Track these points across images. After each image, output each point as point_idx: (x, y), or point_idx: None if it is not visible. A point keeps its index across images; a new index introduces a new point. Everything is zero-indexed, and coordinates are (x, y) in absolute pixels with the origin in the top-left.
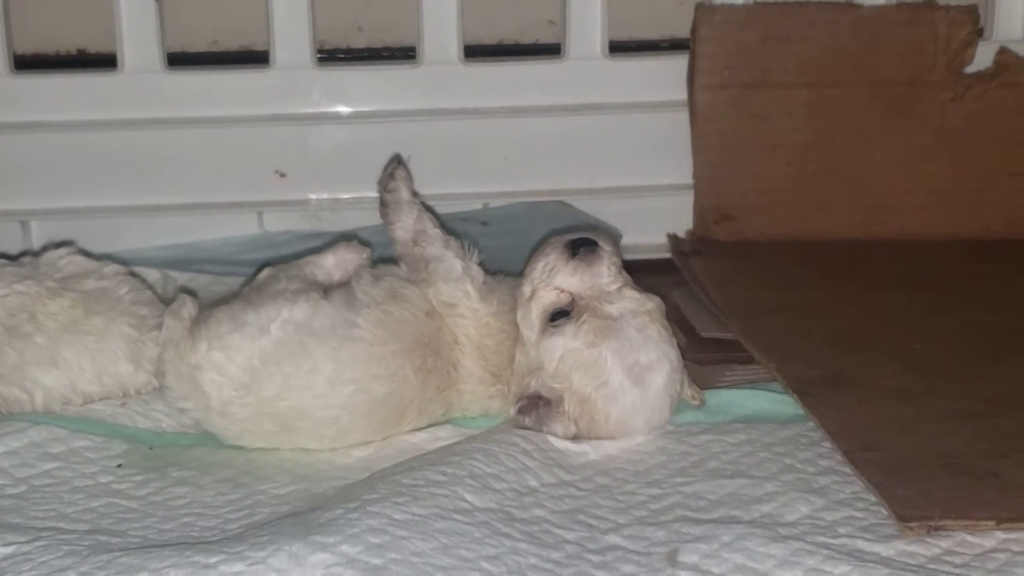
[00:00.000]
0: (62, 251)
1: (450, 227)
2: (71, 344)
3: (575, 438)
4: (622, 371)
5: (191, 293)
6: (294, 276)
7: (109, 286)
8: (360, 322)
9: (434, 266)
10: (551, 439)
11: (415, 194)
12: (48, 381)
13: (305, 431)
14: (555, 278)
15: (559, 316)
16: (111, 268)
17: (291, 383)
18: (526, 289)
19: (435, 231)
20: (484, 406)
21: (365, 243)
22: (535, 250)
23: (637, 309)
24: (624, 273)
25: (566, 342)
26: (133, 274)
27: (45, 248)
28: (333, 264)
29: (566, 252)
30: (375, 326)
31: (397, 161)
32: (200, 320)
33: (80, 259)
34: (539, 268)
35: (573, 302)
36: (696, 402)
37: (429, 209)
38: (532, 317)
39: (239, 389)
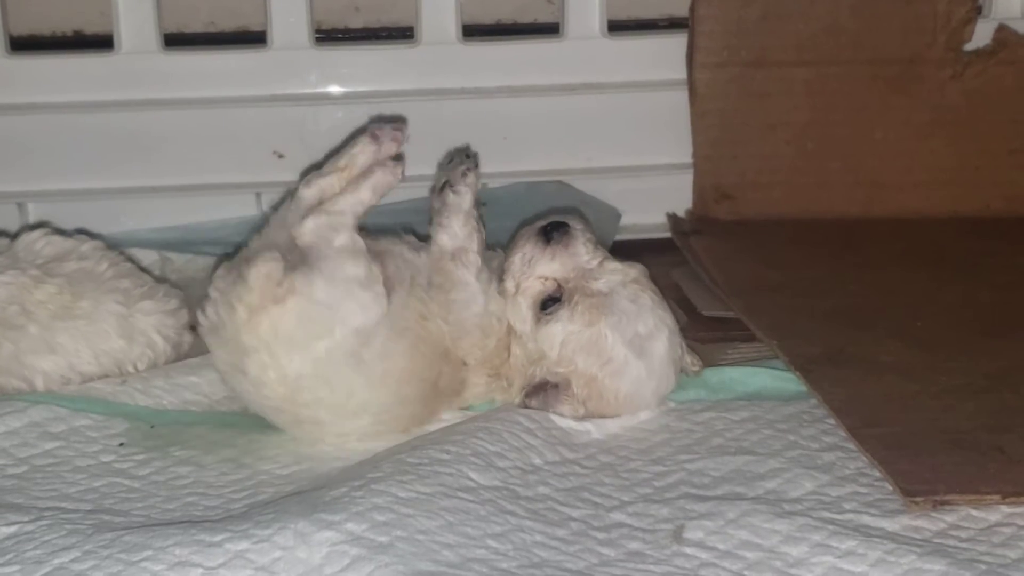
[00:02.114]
0: (37, 233)
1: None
2: (65, 330)
3: (584, 418)
4: (624, 345)
5: (189, 275)
6: (345, 236)
7: (90, 265)
8: (397, 350)
9: (457, 298)
10: (554, 418)
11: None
12: (46, 366)
13: (326, 431)
14: (535, 268)
15: (549, 303)
16: (88, 245)
17: (329, 399)
18: (509, 285)
19: (476, 257)
20: (486, 396)
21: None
22: (508, 244)
23: (624, 279)
24: (600, 247)
25: (564, 327)
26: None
27: (19, 231)
28: (370, 196)
29: (540, 239)
30: (408, 354)
31: (473, 163)
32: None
33: (57, 239)
34: (517, 261)
35: (559, 287)
36: (696, 368)
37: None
38: (523, 310)
39: (282, 385)
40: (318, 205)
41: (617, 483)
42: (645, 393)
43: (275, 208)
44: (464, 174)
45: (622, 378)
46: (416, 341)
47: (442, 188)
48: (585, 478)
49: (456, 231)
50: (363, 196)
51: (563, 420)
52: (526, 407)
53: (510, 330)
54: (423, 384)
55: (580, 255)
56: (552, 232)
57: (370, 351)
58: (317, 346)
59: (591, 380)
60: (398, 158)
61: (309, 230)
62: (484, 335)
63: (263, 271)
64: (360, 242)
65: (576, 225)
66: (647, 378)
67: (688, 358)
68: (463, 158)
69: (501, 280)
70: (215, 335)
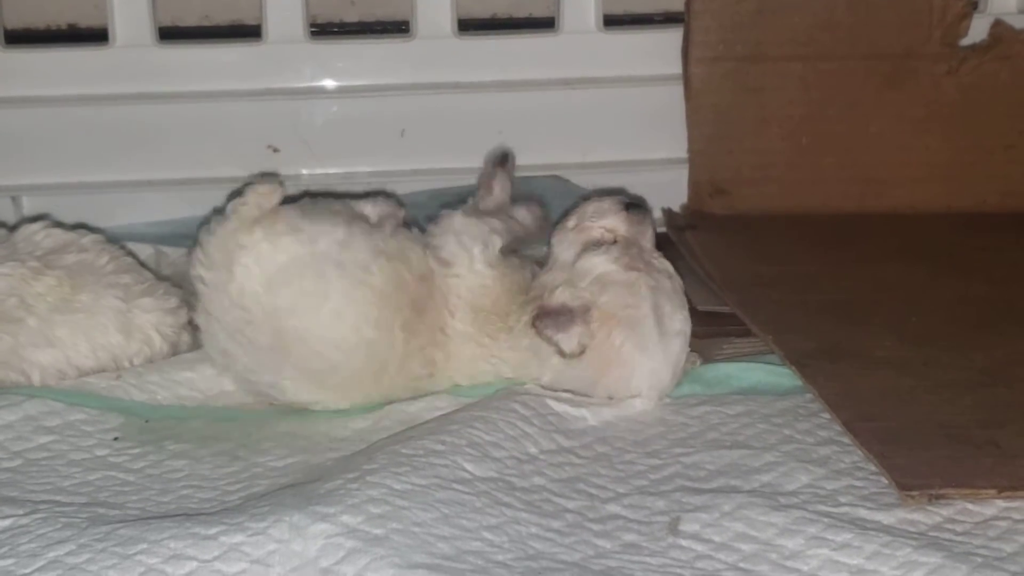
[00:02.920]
0: (37, 225)
1: (444, 202)
2: (64, 323)
3: (579, 356)
4: (651, 306)
5: (184, 269)
6: (346, 203)
7: (90, 258)
8: (374, 269)
9: (447, 221)
10: (550, 403)
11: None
12: (44, 359)
13: (295, 359)
14: (604, 219)
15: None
16: (88, 238)
17: (305, 302)
18: (571, 222)
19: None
20: (472, 369)
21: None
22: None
23: (671, 276)
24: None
25: (607, 262)
26: (112, 241)
27: (18, 223)
28: (371, 211)
29: (619, 204)
30: (385, 278)
31: (504, 159)
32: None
33: (57, 231)
34: (589, 209)
35: (616, 242)
36: (696, 363)
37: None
38: (571, 242)
39: (262, 285)
40: None
41: (613, 475)
42: (642, 367)
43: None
44: (499, 166)
45: (634, 333)
46: (395, 264)
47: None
48: (581, 468)
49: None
50: (365, 208)
51: (559, 405)
52: (533, 328)
53: (513, 283)
54: (398, 314)
55: (646, 236)
56: (632, 206)
57: (350, 255)
58: (299, 250)
59: (607, 317)
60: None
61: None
62: (471, 262)
63: (260, 188)
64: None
65: (651, 215)
66: (653, 354)
67: (690, 356)
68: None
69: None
70: (203, 253)
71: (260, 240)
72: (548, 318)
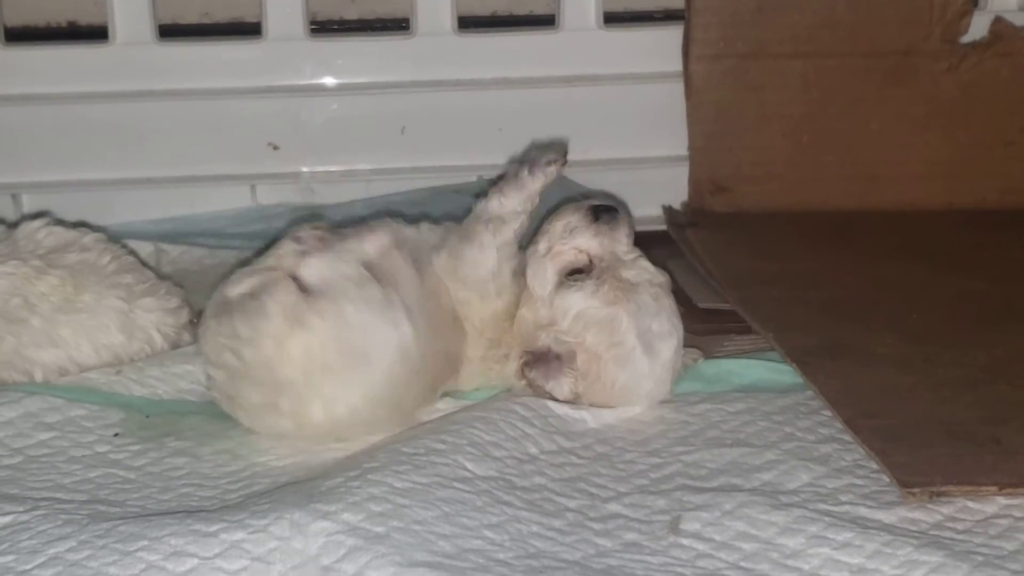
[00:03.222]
0: (38, 223)
1: (445, 199)
2: (67, 323)
3: (575, 400)
4: (636, 335)
5: (184, 266)
6: (354, 268)
7: (92, 257)
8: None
9: (469, 256)
10: (551, 405)
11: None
12: (47, 359)
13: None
14: (575, 238)
15: (576, 274)
16: (90, 237)
17: (376, 412)
18: (541, 246)
19: (510, 234)
20: (480, 377)
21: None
22: (549, 213)
23: (651, 280)
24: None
25: (584, 298)
26: (113, 239)
27: (18, 221)
28: (371, 249)
29: (588, 215)
30: (432, 328)
31: (563, 159)
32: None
33: (58, 229)
34: (558, 228)
35: (591, 264)
36: (697, 360)
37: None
38: (547, 273)
39: (326, 416)
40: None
41: (613, 474)
42: (640, 390)
43: None
44: (549, 163)
45: (624, 367)
46: (436, 316)
47: (523, 161)
48: (581, 468)
49: (508, 203)
50: (362, 246)
51: (559, 408)
52: (523, 378)
53: (515, 302)
54: (438, 355)
55: (621, 242)
56: (602, 213)
57: (412, 355)
58: (364, 372)
59: (594, 359)
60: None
61: (316, 267)
62: (482, 297)
63: (282, 300)
64: (368, 275)
65: (624, 215)
66: (647, 375)
67: (686, 357)
68: (559, 153)
69: (528, 246)
70: (242, 380)
71: (308, 366)
72: (537, 367)
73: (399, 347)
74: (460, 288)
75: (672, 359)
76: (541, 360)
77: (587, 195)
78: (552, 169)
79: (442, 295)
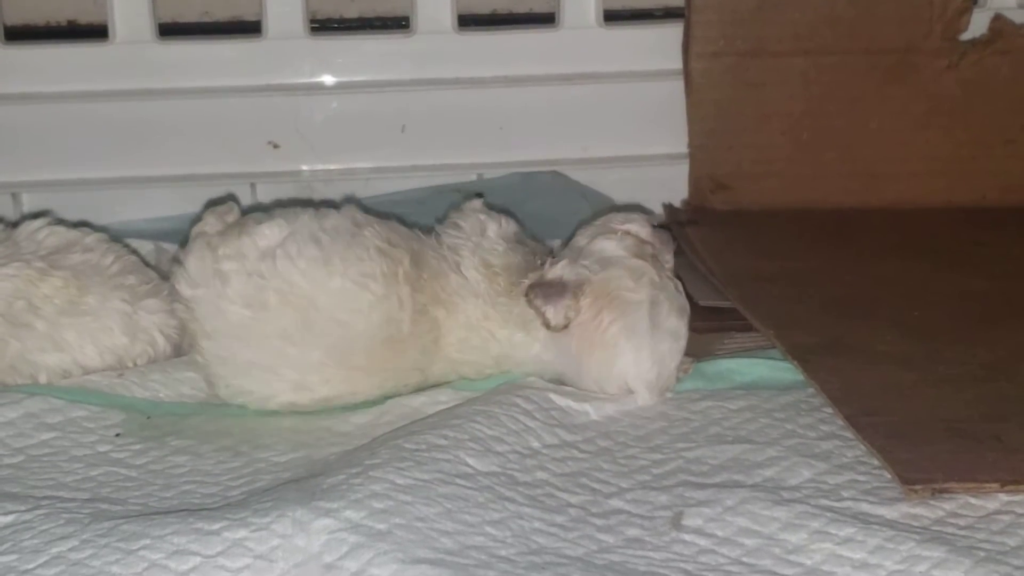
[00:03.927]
0: (39, 223)
1: (445, 197)
2: (71, 327)
3: (564, 328)
4: (648, 296)
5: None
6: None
7: (95, 258)
8: (366, 232)
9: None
10: (552, 397)
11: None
12: (51, 361)
13: (317, 334)
14: (631, 224)
15: None
16: (92, 237)
17: (314, 269)
18: (596, 223)
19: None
20: (470, 338)
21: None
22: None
23: (678, 298)
24: None
25: (616, 247)
26: (114, 238)
27: (19, 221)
28: None
29: (647, 222)
30: (377, 234)
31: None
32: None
33: (60, 229)
34: (617, 216)
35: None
36: (688, 368)
37: None
38: (592, 232)
39: (267, 269)
40: None
41: (615, 469)
42: (625, 354)
43: None
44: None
45: (623, 316)
46: (381, 227)
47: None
48: (583, 463)
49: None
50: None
51: (561, 400)
52: (528, 300)
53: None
54: (399, 266)
55: (666, 257)
56: (658, 227)
57: (331, 222)
58: (281, 232)
59: (600, 296)
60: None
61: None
62: (487, 254)
63: (218, 208)
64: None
65: (672, 244)
66: (637, 342)
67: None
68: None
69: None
70: (183, 278)
71: (238, 238)
72: (540, 289)
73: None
74: (463, 222)
75: (668, 352)
76: (548, 284)
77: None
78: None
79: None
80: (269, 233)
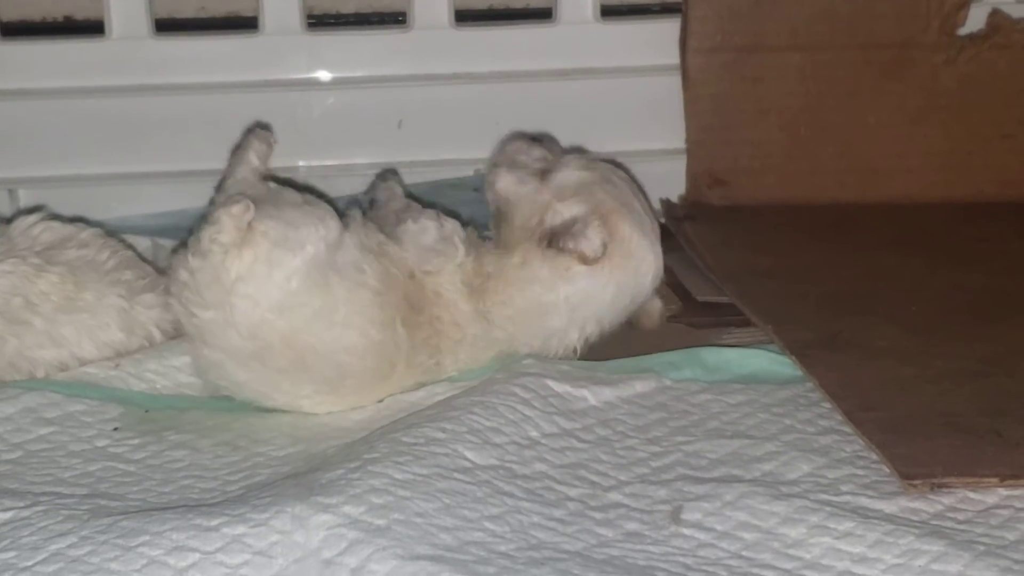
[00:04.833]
0: (34, 218)
1: (442, 193)
2: (69, 323)
3: (603, 256)
4: (631, 191)
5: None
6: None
7: (91, 254)
8: (367, 268)
9: (408, 228)
10: (550, 384)
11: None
12: (48, 357)
13: (312, 374)
14: (531, 152)
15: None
16: (88, 233)
17: (318, 320)
18: (502, 168)
19: (416, 205)
20: (472, 354)
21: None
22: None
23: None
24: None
25: (575, 169)
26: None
27: (13, 216)
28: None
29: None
30: (378, 276)
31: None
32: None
33: (55, 224)
34: (507, 149)
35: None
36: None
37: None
38: (515, 177)
39: (274, 312)
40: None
41: (614, 461)
42: (648, 252)
43: None
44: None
45: (632, 218)
46: (383, 262)
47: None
48: (582, 453)
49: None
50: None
51: (559, 386)
52: (550, 245)
53: (478, 257)
54: (396, 311)
55: (531, 153)
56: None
57: (343, 256)
58: (295, 262)
59: (611, 213)
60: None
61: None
62: (448, 257)
63: (233, 210)
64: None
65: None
66: (647, 234)
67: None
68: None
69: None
70: (192, 294)
71: (253, 263)
72: (562, 233)
73: (327, 235)
74: (418, 256)
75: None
76: (561, 228)
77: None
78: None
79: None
80: (286, 264)
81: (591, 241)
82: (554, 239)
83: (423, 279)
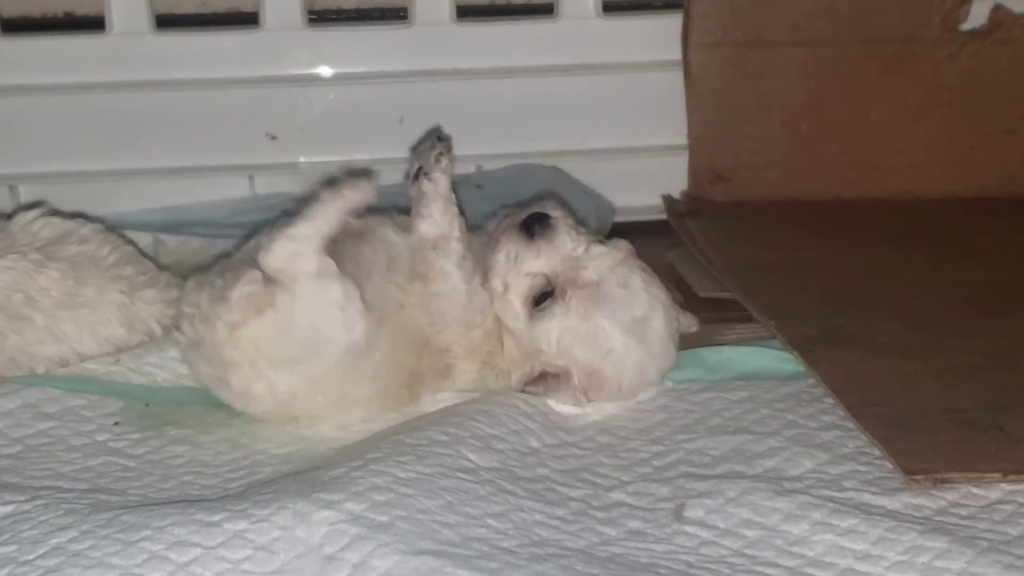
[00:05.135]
0: (33, 213)
1: None
2: (70, 319)
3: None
4: (623, 333)
5: (182, 257)
6: (314, 261)
7: (91, 249)
8: (381, 335)
9: (438, 290)
10: (551, 403)
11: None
12: (49, 353)
13: (306, 402)
14: (522, 265)
15: (542, 298)
16: (88, 228)
17: (323, 404)
18: (497, 284)
19: (458, 245)
20: (480, 378)
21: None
22: (489, 238)
23: (612, 263)
24: (583, 231)
25: (559, 322)
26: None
27: (13, 212)
28: (336, 218)
29: (523, 236)
30: (381, 354)
31: (447, 146)
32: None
33: (55, 220)
34: (502, 259)
35: (549, 282)
36: (693, 328)
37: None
38: (515, 308)
39: (271, 396)
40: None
41: (616, 463)
42: (649, 375)
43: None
44: (438, 159)
45: (625, 366)
46: (395, 329)
47: (416, 176)
48: (584, 459)
49: (436, 219)
50: (329, 218)
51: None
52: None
53: (499, 321)
54: (402, 372)
55: (565, 245)
56: (534, 226)
57: (361, 357)
58: (309, 365)
59: (593, 372)
60: (368, 174)
61: (275, 256)
62: (467, 327)
63: (245, 291)
64: (331, 264)
65: (556, 214)
66: (650, 360)
67: (683, 320)
68: (435, 141)
69: (485, 273)
70: (195, 350)
71: (253, 355)
72: (539, 386)
73: (348, 347)
74: (440, 323)
75: (666, 328)
76: (540, 381)
77: (523, 205)
78: (445, 163)
79: (409, 313)
80: (288, 372)
81: (566, 400)
82: (530, 388)
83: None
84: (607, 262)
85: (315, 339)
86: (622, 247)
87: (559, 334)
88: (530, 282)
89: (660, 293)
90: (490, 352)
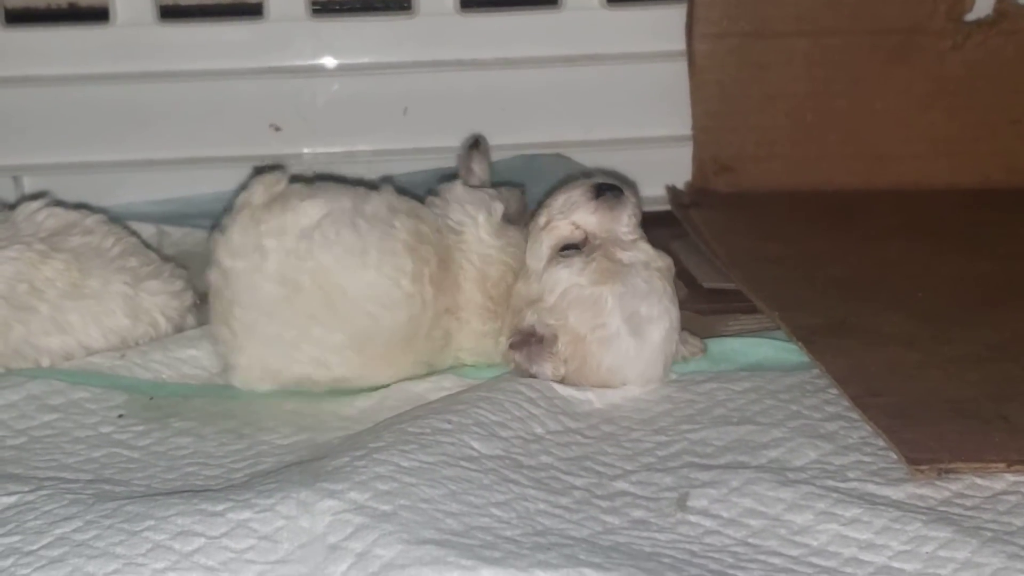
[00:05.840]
0: (37, 204)
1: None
2: (74, 310)
3: (562, 381)
4: (621, 316)
5: (186, 248)
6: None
7: (96, 240)
8: (396, 223)
9: (450, 191)
10: (555, 387)
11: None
12: (54, 345)
13: (342, 320)
14: (574, 213)
15: (569, 249)
16: (92, 219)
17: (348, 257)
18: (541, 219)
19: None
20: (479, 345)
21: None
22: (554, 189)
23: (648, 263)
24: (640, 227)
25: (571, 275)
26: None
27: (17, 202)
28: None
29: (590, 192)
30: (408, 230)
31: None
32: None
33: (59, 210)
34: (559, 201)
35: (586, 240)
36: (697, 353)
37: None
38: (542, 247)
39: (304, 252)
40: None
41: (620, 452)
42: (628, 372)
43: None
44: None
45: (608, 348)
46: (414, 219)
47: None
48: (587, 447)
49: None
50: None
51: (564, 389)
52: (509, 360)
53: (520, 272)
54: (426, 266)
55: (621, 222)
56: (605, 191)
57: (371, 208)
58: (320, 206)
59: (578, 340)
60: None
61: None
62: (475, 225)
63: (266, 178)
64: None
65: (629, 195)
66: (634, 358)
67: (686, 349)
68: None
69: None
70: (225, 247)
71: (281, 214)
72: (521, 350)
73: (351, 200)
74: (455, 228)
75: (662, 343)
76: (524, 343)
77: (591, 174)
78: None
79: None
80: (312, 212)
81: (543, 370)
82: (514, 353)
83: (450, 242)
84: (644, 258)
85: (325, 193)
86: (666, 259)
87: (566, 287)
88: (570, 231)
89: (674, 311)
90: (498, 299)
